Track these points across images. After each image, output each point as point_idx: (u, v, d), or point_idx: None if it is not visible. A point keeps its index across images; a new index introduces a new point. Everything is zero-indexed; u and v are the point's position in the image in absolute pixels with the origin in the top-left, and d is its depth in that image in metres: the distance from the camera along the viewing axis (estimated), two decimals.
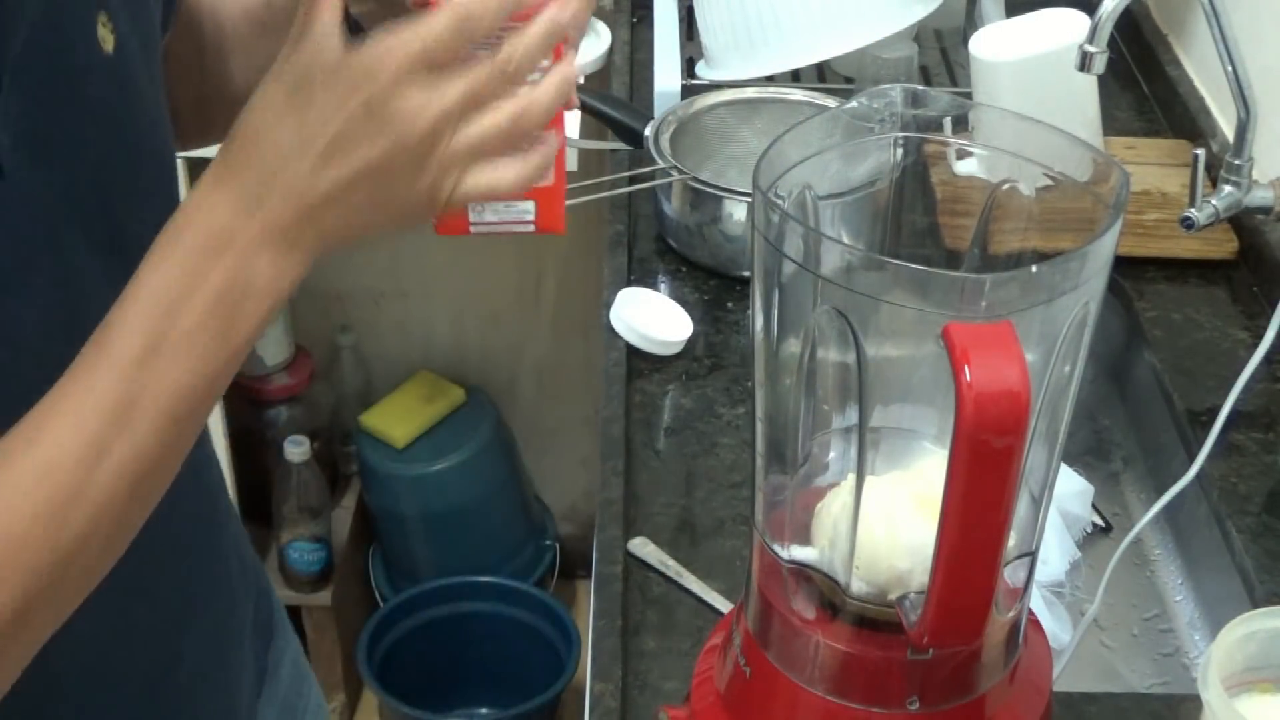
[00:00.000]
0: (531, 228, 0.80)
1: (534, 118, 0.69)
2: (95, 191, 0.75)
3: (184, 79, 0.90)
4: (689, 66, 1.72)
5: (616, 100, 1.57)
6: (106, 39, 0.75)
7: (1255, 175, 1.32)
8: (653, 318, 1.35)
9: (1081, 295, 0.74)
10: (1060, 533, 1.24)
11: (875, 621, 0.80)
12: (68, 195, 0.72)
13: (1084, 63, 1.26)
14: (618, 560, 1.11)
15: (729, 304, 1.41)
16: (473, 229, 0.80)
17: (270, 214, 0.67)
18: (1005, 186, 0.83)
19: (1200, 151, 1.29)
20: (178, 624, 0.87)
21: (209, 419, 0.79)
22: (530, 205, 0.78)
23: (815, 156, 0.82)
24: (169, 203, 0.83)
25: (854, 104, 0.84)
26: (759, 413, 0.84)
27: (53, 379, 0.67)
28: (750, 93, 1.55)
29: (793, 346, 0.79)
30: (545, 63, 0.71)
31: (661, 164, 1.43)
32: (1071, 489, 1.27)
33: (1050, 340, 0.75)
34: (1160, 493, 1.16)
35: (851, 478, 0.80)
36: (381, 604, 2.23)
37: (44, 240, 0.71)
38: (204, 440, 0.89)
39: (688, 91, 1.59)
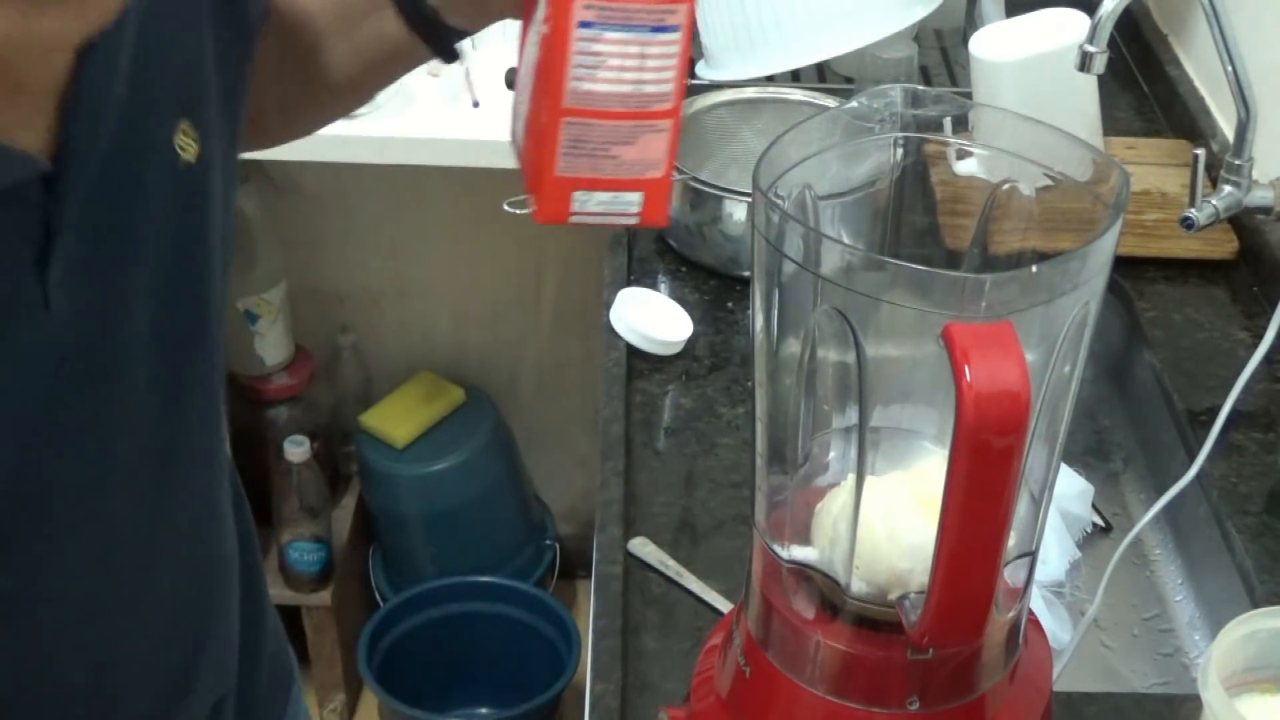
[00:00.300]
0: (635, 220, 0.77)
1: None
2: (144, 311, 0.72)
3: (269, 80, 0.89)
4: (689, 66, 1.72)
5: None
6: (188, 148, 0.73)
7: (1255, 175, 1.32)
8: (653, 318, 1.35)
9: (1081, 295, 0.74)
10: (1060, 533, 1.24)
11: (875, 621, 0.80)
12: (114, 319, 0.70)
13: (1084, 63, 1.26)
14: (618, 560, 1.11)
15: (729, 304, 1.41)
16: (572, 219, 0.76)
17: None
18: (1005, 186, 0.83)
19: (1200, 151, 1.29)
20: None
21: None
22: (637, 196, 0.75)
23: (815, 156, 0.82)
24: (214, 318, 0.80)
25: (854, 104, 0.84)
26: (759, 413, 0.83)
27: (85, 507, 0.66)
28: (750, 93, 1.55)
29: (793, 346, 0.79)
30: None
31: None
32: (1071, 489, 1.27)
33: (1050, 340, 0.75)
34: (1160, 493, 1.16)
35: (851, 478, 0.80)
36: (381, 604, 2.23)
37: (83, 369, 0.69)
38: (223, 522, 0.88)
39: (688, 91, 1.59)
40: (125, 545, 0.75)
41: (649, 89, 0.75)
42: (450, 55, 0.91)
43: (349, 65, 0.92)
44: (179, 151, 0.72)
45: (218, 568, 0.87)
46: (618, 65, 0.74)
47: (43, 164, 0.64)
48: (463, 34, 0.90)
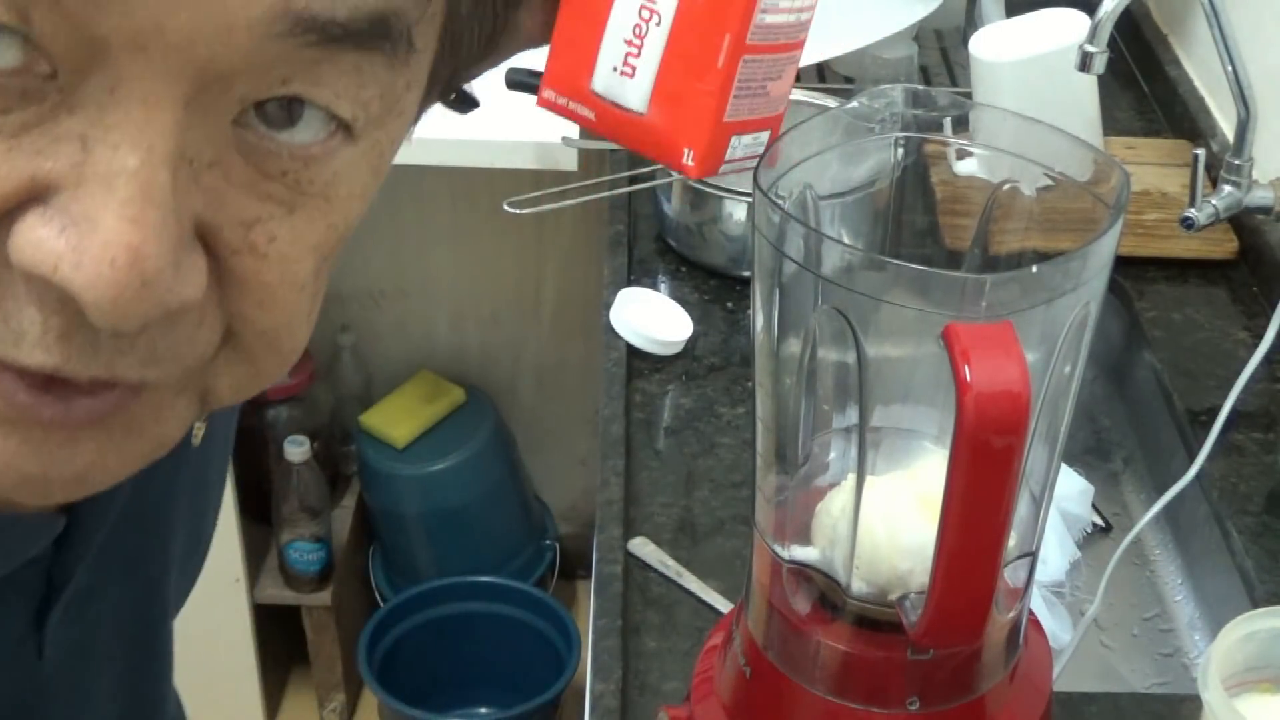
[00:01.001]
0: (758, 162, 0.74)
1: None
2: (122, 613, 0.67)
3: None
4: None
5: None
6: (199, 432, 0.66)
7: (1255, 175, 1.32)
8: (653, 318, 1.35)
9: (1082, 295, 0.74)
10: (1060, 533, 1.24)
11: (875, 621, 0.80)
12: (98, 630, 0.65)
13: (1084, 63, 1.26)
14: (618, 560, 1.11)
15: (729, 304, 1.41)
16: (723, 170, 0.70)
17: None
18: (1005, 187, 0.83)
19: (1200, 151, 1.29)
20: None
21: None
22: (766, 136, 0.70)
23: (815, 156, 0.81)
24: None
25: (854, 104, 0.84)
26: (759, 413, 0.83)
27: None
28: None
29: (793, 346, 0.79)
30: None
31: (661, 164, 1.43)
32: (1071, 489, 1.27)
33: (1051, 340, 0.75)
34: (1160, 493, 1.16)
35: (852, 478, 0.80)
36: (381, 604, 2.23)
37: (60, 680, 0.63)
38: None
39: None
40: None
41: (805, 16, 0.70)
42: (468, 105, 0.86)
43: None
44: (191, 442, 0.65)
45: None
46: None
47: (58, 525, 0.57)
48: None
